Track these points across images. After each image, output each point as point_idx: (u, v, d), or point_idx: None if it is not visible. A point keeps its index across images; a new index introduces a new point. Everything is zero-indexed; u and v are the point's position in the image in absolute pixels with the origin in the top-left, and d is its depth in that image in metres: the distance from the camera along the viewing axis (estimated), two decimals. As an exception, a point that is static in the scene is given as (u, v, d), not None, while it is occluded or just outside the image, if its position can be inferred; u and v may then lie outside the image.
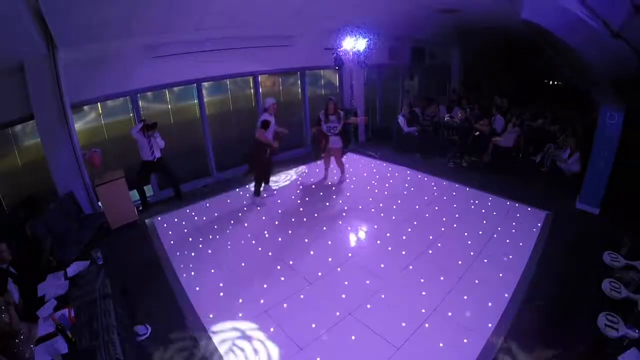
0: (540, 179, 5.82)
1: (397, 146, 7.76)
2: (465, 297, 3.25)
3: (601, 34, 3.21)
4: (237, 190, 5.98)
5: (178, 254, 4.19)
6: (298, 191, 5.82)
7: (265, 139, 5.08)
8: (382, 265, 3.77)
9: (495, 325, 2.91)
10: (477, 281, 3.47)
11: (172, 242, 4.46)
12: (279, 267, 3.85)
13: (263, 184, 5.58)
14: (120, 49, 4.83)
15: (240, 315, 3.16)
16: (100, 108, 5.21)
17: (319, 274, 3.69)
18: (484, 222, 4.56)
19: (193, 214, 5.22)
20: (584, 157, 5.20)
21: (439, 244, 4.14)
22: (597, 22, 3.17)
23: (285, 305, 3.27)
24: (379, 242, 4.27)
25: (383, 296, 3.33)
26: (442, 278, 3.52)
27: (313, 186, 6.00)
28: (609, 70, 3.57)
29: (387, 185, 5.95)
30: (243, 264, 3.92)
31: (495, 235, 4.26)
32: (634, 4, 2.91)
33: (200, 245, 4.35)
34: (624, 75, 3.49)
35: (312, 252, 4.09)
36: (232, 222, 4.91)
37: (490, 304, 3.15)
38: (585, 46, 3.44)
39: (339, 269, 3.76)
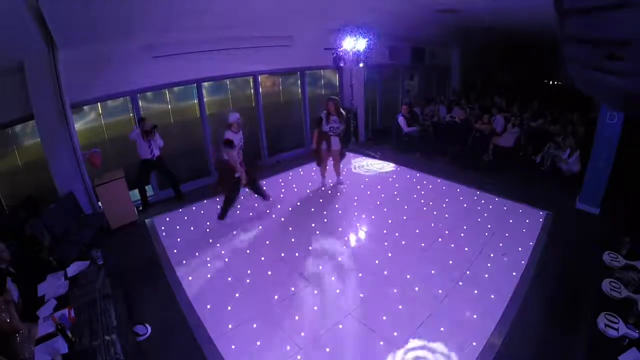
0: (540, 179, 5.81)
1: (397, 146, 7.76)
2: (466, 297, 3.25)
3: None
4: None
5: (178, 253, 4.18)
6: (298, 191, 5.81)
7: (234, 161, 4.48)
8: (383, 265, 3.77)
9: (495, 325, 2.91)
10: (477, 281, 3.46)
11: (172, 242, 4.46)
12: (279, 267, 3.84)
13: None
14: (120, 49, 4.83)
15: (240, 315, 3.16)
16: (100, 108, 5.21)
17: (319, 274, 3.69)
18: (484, 222, 4.56)
19: (193, 214, 5.22)
20: (584, 157, 5.20)
21: (439, 244, 4.13)
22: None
23: (285, 305, 3.27)
24: (379, 242, 4.26)
25: (383, 296, 3.32)
26: (442, 278, 3.52)
27: (313, 186, 5.99)
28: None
29: (387, 185, 5.95)
30: (243, 264, 3.92)
31: (495, 235, 4.26)
32: None
33: (200, 245, 4.34)
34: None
35: (312, 252, 4.08)
36: (231, 222, 4.90)
37: (490, 304, 3.15)
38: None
39: (339, 269, 3.76)
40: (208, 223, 4.89)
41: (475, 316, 3.03)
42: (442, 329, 2.91)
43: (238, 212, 5.18)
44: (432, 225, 4.56)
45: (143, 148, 5.11)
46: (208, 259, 4.06)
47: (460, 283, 3.45)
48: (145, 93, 5.53)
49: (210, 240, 4.45)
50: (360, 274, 3.66)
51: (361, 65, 7.04)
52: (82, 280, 3.07)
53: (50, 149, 4.46)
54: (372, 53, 6.72)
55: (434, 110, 8.40)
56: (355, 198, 5.47)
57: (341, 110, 5.42)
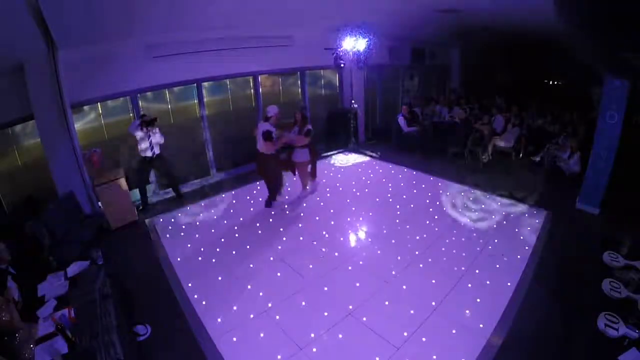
0: (540, 179, 5.82)
1: (397, 146, 7.77)
2: (465, 297, 3.25)
3: None
4: (237, 190, 5.98)
5: (178, 253, 4.18)
6: (298, 191, 5.80)
7: (274, 147, 4.75)
8: (382, 265, 3.77)
9: (495, 325, 2.91)
10: (477, 281, 3.47)
11: (172, 242, 4.46)
12: (279, 267, 3.84)
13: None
14: (120, 49, 4.83)
15: (240, 315, 3.16)
16: (100, 108, 5.21)
17: (319, 274, 3.69)
18: (484, 222, 4.56)
19: (193, 214, 5.21)
20: (584, 157, 5.20)
21: (439, 244, 4.13)
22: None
23: (285, 305, 3.27)
24: (379, 242, 4.26)
25: (383, 296, 3.32)
26: (442, 278, 3.52)
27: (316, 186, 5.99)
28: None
29: (387, 185, 5.95)
30: (243, 264, 3.92)
31: (495, 235, 4.26)
32: None
33: (200, 246, 4.34)
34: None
35: (312, 253, 4.08)
36: (232, 222, 4.90)
37: (490, 304, 3.14)
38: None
39: (339, 269, 3.76)
40: (208, 223, 4.89)
41: (475, 316, 3.03)
42: (442, 328, 2.91)
43: (238, 213, 5.19)
44: (432, 225, 4.56)
45: (144, 145, 5.07)
46: (208, 258, 4.06)
47: (460, 283, 3.45)
48: (145, 93, 5.53)
49: (211, 240, 4.44)
50: (360, 274, 3.66)
51: (360, 68, 7.05)
52: (82, 280, 3.07)
53: (50, 149, 4.46)
54: (372, 53, 6.72)
55: (434, 110, 8.41)
56: (356, 198, 5.47)
57: (304, 122, 5.08)
